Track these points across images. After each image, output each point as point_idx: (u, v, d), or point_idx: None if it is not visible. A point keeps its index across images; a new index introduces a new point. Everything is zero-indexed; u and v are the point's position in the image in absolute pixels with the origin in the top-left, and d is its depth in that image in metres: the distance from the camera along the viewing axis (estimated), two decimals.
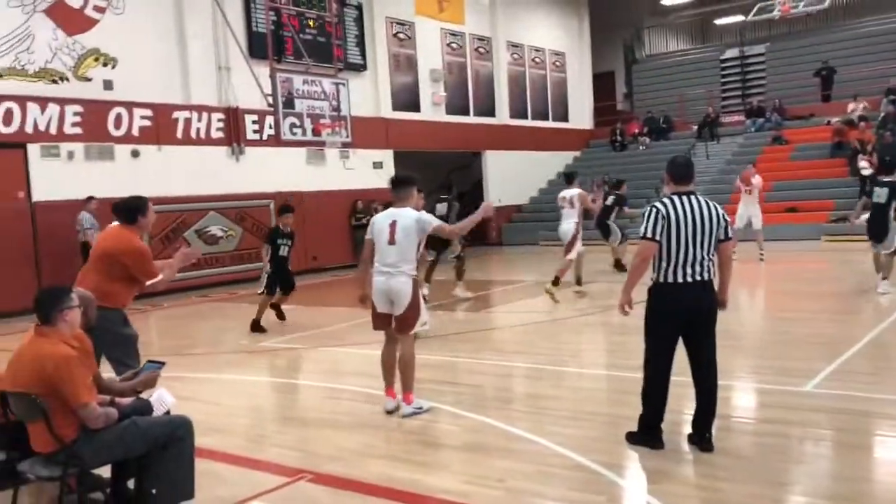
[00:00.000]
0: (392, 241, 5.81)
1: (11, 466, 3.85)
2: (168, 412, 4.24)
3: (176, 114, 15.47)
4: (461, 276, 12.18)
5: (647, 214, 4.76)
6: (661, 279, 4.75)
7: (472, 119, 22.75)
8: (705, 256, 4.70)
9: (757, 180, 14.93)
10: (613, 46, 29.44)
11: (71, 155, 13.86)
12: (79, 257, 12.31)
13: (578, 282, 11.78)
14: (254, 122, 16.72)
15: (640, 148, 25.07)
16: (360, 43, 19.13)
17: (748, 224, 14.55)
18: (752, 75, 26.63)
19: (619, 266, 13.85)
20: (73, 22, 14.00)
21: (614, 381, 6.90)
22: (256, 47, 16.14)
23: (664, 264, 4.72)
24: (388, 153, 19.73)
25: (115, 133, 14.51)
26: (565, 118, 26.61)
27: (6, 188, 13.09)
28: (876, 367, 6.81)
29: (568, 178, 12.39)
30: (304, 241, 16.39)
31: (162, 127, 15.18)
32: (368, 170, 18.98)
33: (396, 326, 5.89)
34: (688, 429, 4.94)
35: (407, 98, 20.57)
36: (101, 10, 14.40)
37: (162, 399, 4.28)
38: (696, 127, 24.51)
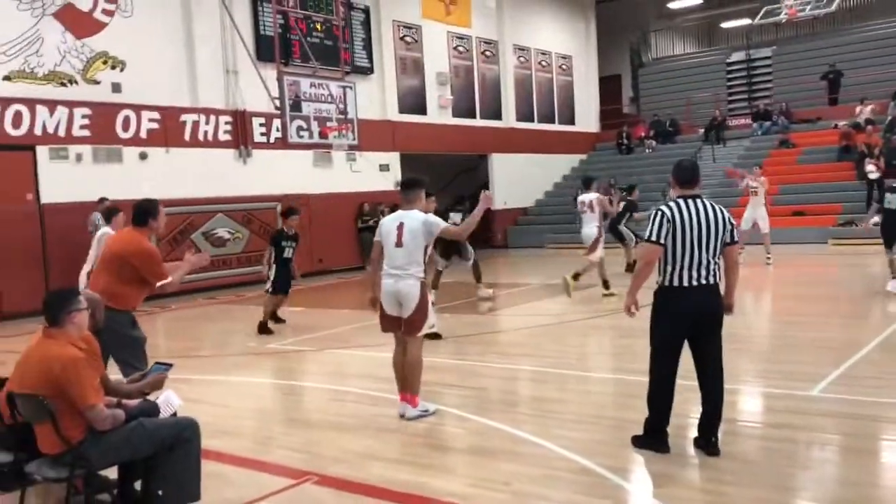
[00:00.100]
0: (399, 244, 5.82)
1: (19, 468, 3.86)
2: (175, 414, 4.25)
3: (184, 116, 15.53)
4: (480, 278, 12.24)
5: (652, 218, 4.77)
6: (667, 282, 4.75)
7: (478, 122, 22.76)
8: (711, 260, 4.70)
9: (762, 180, 14.92)
10: (620, 49, 29.44)
11: (79, 157, 13.93)
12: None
13: (605, 285, 11.77)
14: (261, 124, 16.77)
15: (647, 151, 25.05)
16: (367, 46, 19.17)
17: (753, 227, 14.53)
18: (758, 78, 26.56)
19: (630, 269, 13.85)
20: (81, 25, 14.08)
21: (620, 384, 6.89)
22: (264, 50, 16.21)
23: (669, 268, 4.72)
24: (394, 156, 19.76)
25: (123, 135, 14.57)
26: (571, 121, 26.60)
27: (15, 190, 13.16)
28: (883, 372, 6.77)
29: (586, 182, 12.53)
30: (311, 243, 16.43)
31: (170, 129, 15.24)
32: (375, 172, 19.03)
33: (404, 329, 5.90)
34: (694, 433, 4.92)
35: (413, 101, 20.61)
36: (109, 13, 14.47)
37: (169, 401, 4.29)
38: (702, 130, 24.47)
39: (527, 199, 24.33)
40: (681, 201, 4.76)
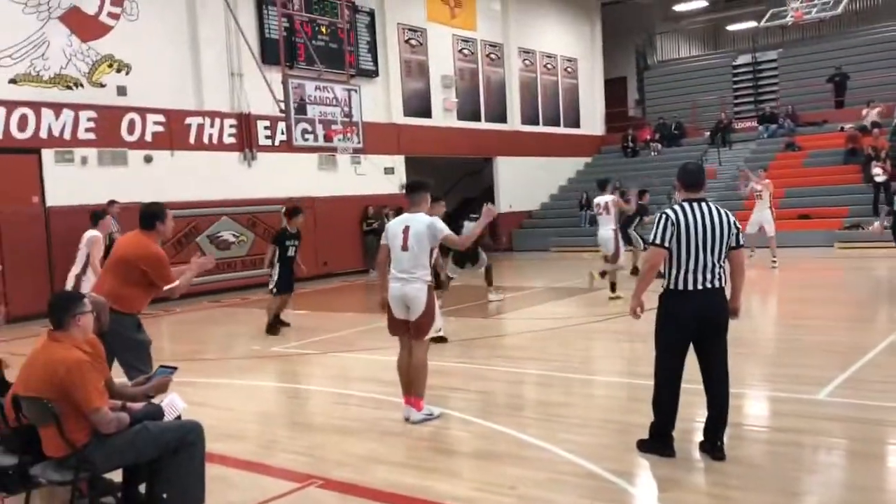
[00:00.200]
0: (405, 247, 5.82)
1: (24, 470, 3.87)
2: (179, 417, 4.25)
3: (189, 119, 15.57)
4: (491, 282, 12.27)
5: (657, 221, 4.76)
6: (672, 286, 4.73)
7: (483, 125, 22.76)
8: (716, 263, 4.68)
9: (766, 182, 14.87)
10: (625, 52, 29.41)
11: (84, 160, 13.96)
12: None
13: (612, 288, 11.77)
14: (266, 127, 16.80)
15: (652, 154, 25.03)
16: (372, 49, 19.19)
17: (759, 230, 14.48)
18: (764, 81, 26.53)
19: (636, 272, 13.82)
20: (87, 28, 14.13)
21: (625, 388, 6.88)
22: (269, 53, 16.23)
23: (674, 271, 4.71)
24: (399, 159, 19.77)
25: (128, 139, 14.61)
26: (577, 124, 26.59)
27: (21, 193, 13.19)
28: (890, 376, 6.74)
29: (601, 184, 12.51)
30: (315, 246, 16.45)
31: (175, 132, 15.27)
32: (380, 175, 19.04)
33: (412, 332, 5.90)
34: (699, 437, 4.91)
35: (418, 104, 20.62)
36: (115, 16, 14.52)
37: (173, 404, 4.30)
38: (708, 133, 24.44)
39: (532, 202, 24.33)
40: (686, 204, 4.75)
